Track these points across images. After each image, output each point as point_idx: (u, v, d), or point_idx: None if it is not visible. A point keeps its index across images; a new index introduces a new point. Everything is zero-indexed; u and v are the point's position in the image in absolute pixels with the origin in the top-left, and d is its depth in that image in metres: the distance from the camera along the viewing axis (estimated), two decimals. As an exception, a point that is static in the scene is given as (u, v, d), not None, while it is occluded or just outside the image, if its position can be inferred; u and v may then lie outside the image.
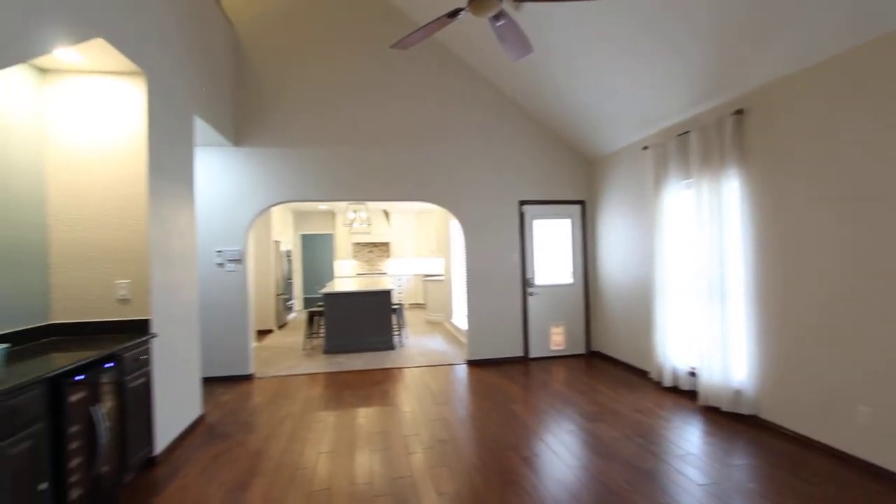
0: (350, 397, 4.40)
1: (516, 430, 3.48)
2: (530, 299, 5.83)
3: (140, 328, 3.04)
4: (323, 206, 10.67)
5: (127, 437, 2.67)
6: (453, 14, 2.66)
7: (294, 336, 7.87)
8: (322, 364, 5.77)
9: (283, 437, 3.43)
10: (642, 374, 4.89)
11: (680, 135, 4.17)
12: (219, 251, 5.16)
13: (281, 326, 8.80)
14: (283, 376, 5.24)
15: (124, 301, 3.06)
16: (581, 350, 5.97)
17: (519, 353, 5.78)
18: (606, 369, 5.23)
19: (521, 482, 2.69)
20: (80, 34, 2.48)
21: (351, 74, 5.46)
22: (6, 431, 1.81)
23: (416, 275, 11.99)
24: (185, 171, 3.80)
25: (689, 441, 3.20)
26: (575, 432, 3.42)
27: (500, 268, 5.76)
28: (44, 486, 1.99)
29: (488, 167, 5.75)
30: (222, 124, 4.79)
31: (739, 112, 3.55)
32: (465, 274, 5.72)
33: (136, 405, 2.81)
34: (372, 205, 10.66)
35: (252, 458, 3.08)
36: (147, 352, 2.99)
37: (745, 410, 3.55)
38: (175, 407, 3.40)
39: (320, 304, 6.71)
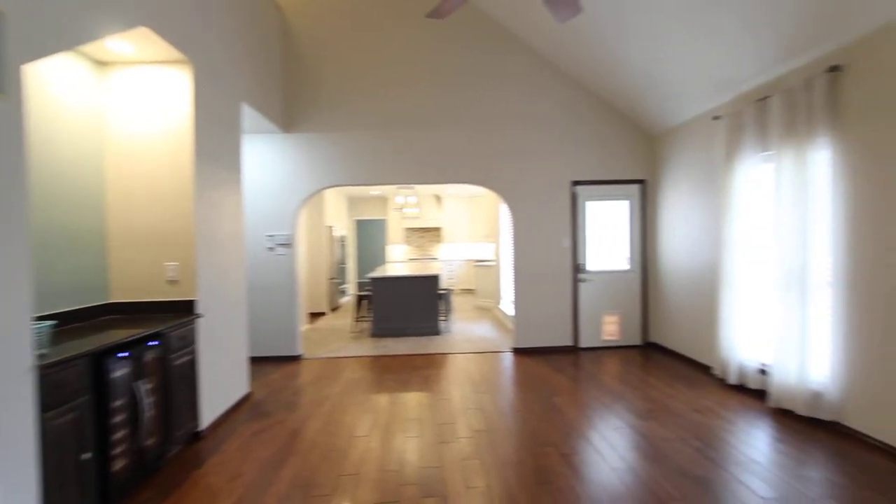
0: (390, 381, 4.40)
1: (558, 425, 3.28)
2: (582, 286, 5.51)
3: (187, 308, 3.17)
4: (375, 191, 10.79)
5: (172, 413, 2.79)
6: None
7: (345, 319, 8.07)
8: (367, 347, 5.84)
9: (322, 418, 3.47)
10: (704, 369, 4.46)
11: (759, 100, 3.66)
12: (269, 235, 5.32)
13: (333, 309, 9.07)
14: (329, 358, 5.36)
15: (173, 282, 3.19)
16: (637, 341, 5.58)
17: (568, 342, 5.50)
18: (664, 363, 4.83)
19: (558, 482, 2.51)
20: (125, 22, 2.55)
21: (399, 57, 5.36)
22: (50, 403, 1.92)
23: (467, 260, 11.88)
24: (232, 157, 3.90)
25: (754, 447, 2.84)
26: (622, 430, 3.16)
27: (549, 252, 5.48)
28: (87, 455, 2.11)
29: (539, 146, 5.45)
30: (271, 111, 4.88)
31: (835, 69, 3.02)
32: (513, 259, 5.51)
33: (180, 382, 2.93)
34: (423, 190, 10.63)
35: (289, 437, 3.14)
36: (192, 331, 3.11)
37: (824, 416, 3.10)
38: (221, 384, 3.55)
39: (369, 288, 6.79)
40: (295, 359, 5.29)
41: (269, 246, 5.32)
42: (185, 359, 3.00)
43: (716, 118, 4.20)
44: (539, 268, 5.47)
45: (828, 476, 2.48)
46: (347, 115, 5.36)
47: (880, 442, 2.78)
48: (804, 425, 3.13)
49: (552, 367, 4.80)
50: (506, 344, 5.86)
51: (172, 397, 2.82)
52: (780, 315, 3.38)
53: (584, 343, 5.52)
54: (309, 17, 5.32)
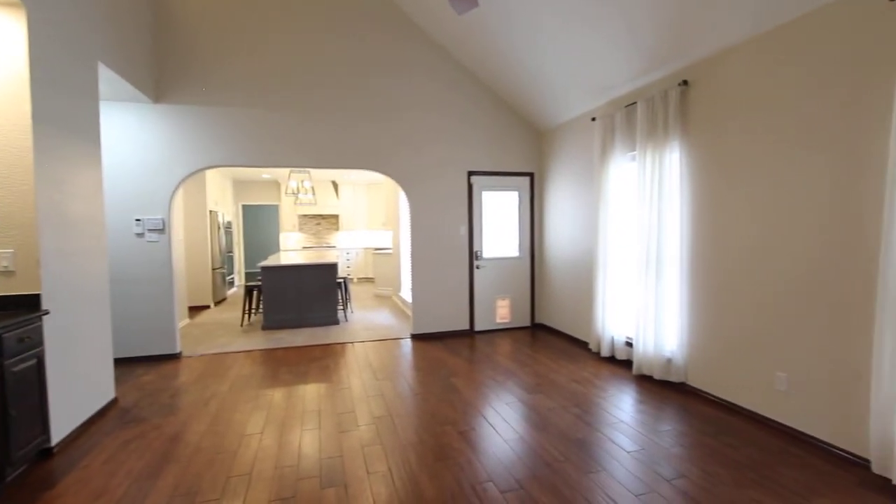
0: (286, 374, 4.19)
1: (455, 405, 3.42)
2: (477, 272, 5.76)
3: (30, 304, 2.67)
4: (266, 174, 10.05)
5: (10, 428, 2.34)
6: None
7: (232, 312, 7.45)
8: (259, 341, 5.48)
9: (206, 420, 3.19)
10: (583, 345, 4.99)
11: (627, 105, 4.13)
12: (138, 220, 4.67)
13: (218, 302, 8.32)
14: (214, 354, 4.92)
15: (7, 273, 2.65)
16: (526, 323, 6.02)
17: (465, 326, 5.74)
18: (549, 341, 5.30)
19: (457, 457, 2.62)
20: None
21: (294, 34, 4.99)
22: None
23: (365, 248, 11.68)
24: (87, 126, 3.33)
25: (621, 409, 3.27)
26: (513, 404, 3.41)
27: (447, 240, 5.63)
28: None
29: (437, 136, 5.53)
30: (138, 76, 4.25)
31: (684, 83, 3.53)
32: (411, 246, 5.55)
33: (21, 391, 2.47)
34: (319, 175, 10.16)
35: (167, 444, 2.83)
36: (37, 331, 2.63)
37: (674, 378, 3.68)
38: (78, 391, 3.06)
39: (260, 278, 6.34)
40: (173, 357, 4.75)
41: (139, 232, 4.67)
42: (27, 364, 2.52)
43: (593, 119, 4.66)
44: (437, 255, 5.60)
45: (676, 428, 2.95)
46: (233, 90, 4.88)
47: (714, 396, 3.39)
48: (660, 388, 3.68)
49: (450, 350, 4.97)
50: (405, 330, 5.92)
51: (10, 410, 2.36)
52: (640, 294, 3.90)
53: (479, 326, 5.80)
54: (185, -27, 4.71)
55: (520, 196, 5.95)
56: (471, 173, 5.70)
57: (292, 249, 11.25)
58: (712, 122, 3.35)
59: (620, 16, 3.45)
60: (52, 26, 2.92)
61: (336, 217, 11.79)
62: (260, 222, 11.67)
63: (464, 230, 5.69)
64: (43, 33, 2.82)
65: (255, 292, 6.73)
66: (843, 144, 2.52)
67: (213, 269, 7.96)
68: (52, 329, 2.77)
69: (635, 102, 4.01)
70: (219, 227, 8.49)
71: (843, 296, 2.54)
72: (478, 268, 5.76)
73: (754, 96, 3.02)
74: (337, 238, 11.84)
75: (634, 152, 4.11)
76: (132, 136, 4.64)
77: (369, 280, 11.52)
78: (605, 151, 4.43)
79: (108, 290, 3.53)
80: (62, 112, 3.00)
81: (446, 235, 5.62)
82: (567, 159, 5.35)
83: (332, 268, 6.46)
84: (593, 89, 4.49)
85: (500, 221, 5.91)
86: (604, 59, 4.01)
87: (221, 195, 9.18)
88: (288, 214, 11.29)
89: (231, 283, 9.63)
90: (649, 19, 3.33)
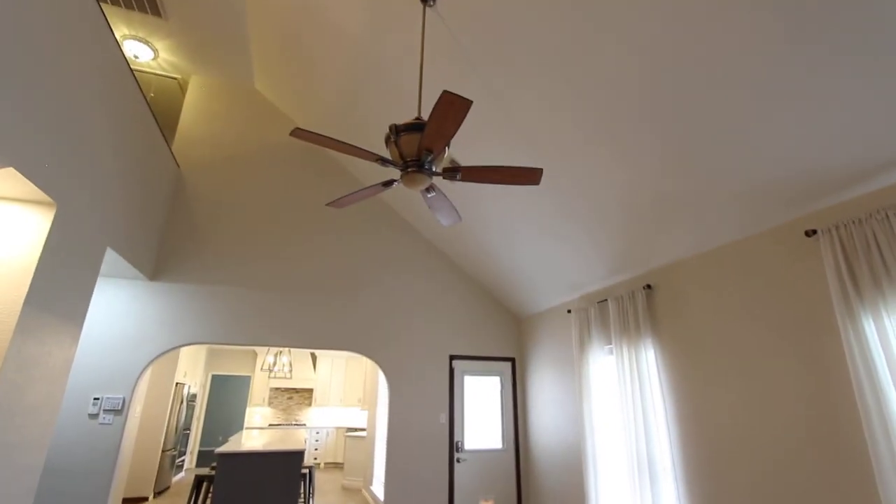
0: None
1: None
2: (458, 467, 5.27)
3: (-65, 513, 2.29)
4: (244, 344, 9.87)
5: None
6: (387, 184, 2.84)
7: (173, 507, 6.43)
8: (197, 551, 4.60)
9: None
10: (579, 566, 4.30)
11: (600, 302, 4.42)
12: (96, 398, 4.37)
13: (160, 492, 7.22)
14: (138, 572, 4.06)
15: (-74, 473, 2.34)
16: (513, 531, 5.27)
17: (442, 535, 4.98)
18: (540, 559, 4.56)
19: None
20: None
21: (286, 220, 5.52)
22: None
23: (338, 427, 10.80)
24: (75, 308, 3.37)
25: None
26: None
27: (426, 427, 5.29)
28: None
29: (419, 319, 5.69)
30: (140, 259, 4.50)
31: (648, 287, 3.86)
32: (387, 434, 5.17)
33: None
34: (298, 349, 10.01)
35: None
36: (-69, 551, 2.20)
37: None
38: None
39: (214, 464, 5.66)
40: (84, 577, 3.90)
41: (93, 412, 4.32)
42: None
43: (569, 311, 4.92)
44: (415, 444, 5.19)
45: None
46: (221, 271, 5.11)
47: None
48: None
49: (424, 571, 4.20)
50: (373, 540, 5.09)
51: None
52: (636, 502, 3.55)
53: (459, 536, 5.04)
54: (200, 174, 5.37)
55: (501, 382, 5.85)
56: (452, 357, 5.69)
57: (257, 427, 10.33)
58: (679, 323, 3.57)
59: (584, 228, 3.96)
60: (74, 218, 3.20)
61: (310, 391, 11.19)
62: (228, 393, 10.94)
63: (444, 418, 5.40)
64: (64, 225, 3.07)
65: (204, 484, 5.92)
66: (791, 351, 2.66)
67: (164, 452, 7.13)
68: (-50, 547, 2.33)
69: (606, 300, 4.31)
70: (182, 401, 7.93)
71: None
72: (458, 461, 5.29)
73: (709, 302, 3.30)
74: (309, 414, 11.02)
75: (611, 345, 4.24)
76: (119, 311, 4.67)
77: (338, 466, 10.35)
78: (583, 344, 4.56)
79: (34, 490, 3.08)
80: (56, 297, 3.07)
81: (426, 422, 5.31)
82: (547, 346, 5.45)
83: (298, 456, 5.83)
84: (566, 285, 4.86)
85: (481, 409, 5.68)
86: (572, 262, 4.45)
87: (193, 365, 8.82)
88: (259, 387, 10.71)
89: (180, 468, 8.53)
90: (609, 232, 3.82)
